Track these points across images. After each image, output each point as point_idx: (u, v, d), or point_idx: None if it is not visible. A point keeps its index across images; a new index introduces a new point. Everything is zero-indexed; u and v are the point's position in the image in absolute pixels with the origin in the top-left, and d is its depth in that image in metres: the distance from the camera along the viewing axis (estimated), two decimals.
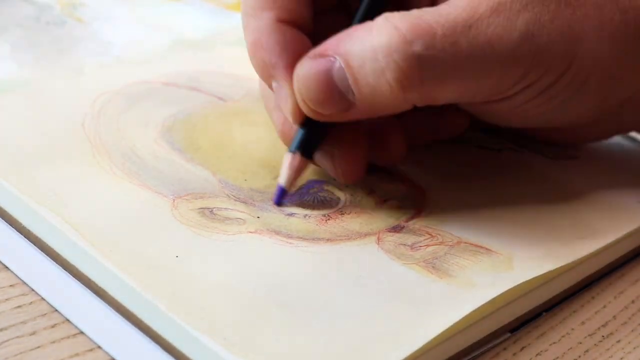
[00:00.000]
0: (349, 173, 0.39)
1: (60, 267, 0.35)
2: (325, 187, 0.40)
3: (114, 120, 0.42)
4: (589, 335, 0.36)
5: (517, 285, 0.35)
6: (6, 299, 0.34)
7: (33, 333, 0.32)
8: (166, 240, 0.35)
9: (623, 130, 0.45)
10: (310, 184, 0.40)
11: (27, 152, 0.39)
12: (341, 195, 0.40)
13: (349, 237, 0.37)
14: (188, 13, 0.54)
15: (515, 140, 0.45)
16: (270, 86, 0.38)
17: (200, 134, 0.42)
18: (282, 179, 0.38)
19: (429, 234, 0.38)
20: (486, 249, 0.37)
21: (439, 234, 0.38)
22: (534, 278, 0.35)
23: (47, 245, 0.35)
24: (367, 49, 0.35)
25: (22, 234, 0.36)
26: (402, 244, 0.37)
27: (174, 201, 0.37)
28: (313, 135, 0.38)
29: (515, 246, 0.37)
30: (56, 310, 0.33)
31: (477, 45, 0.35)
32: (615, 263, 0.40)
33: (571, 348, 0.35)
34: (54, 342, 0.32)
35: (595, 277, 0.39)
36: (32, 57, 0.47)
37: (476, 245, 0.37)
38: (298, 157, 0.38)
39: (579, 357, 0.35)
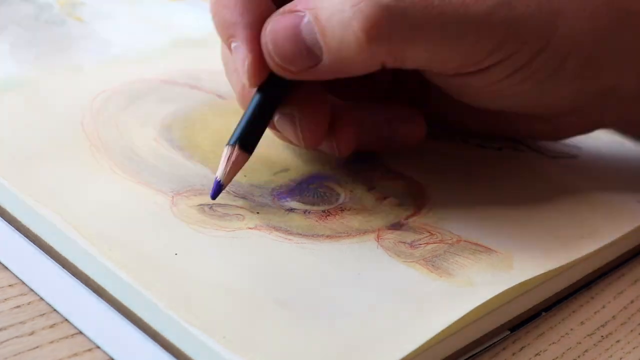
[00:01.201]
0: (310, 136, 0.38)
1: (59, 266, 0.35)
2: (325, 183, 0.40)
3: (113, 118, 0.42)
4: (588, 335, 0.36)
5: (517, 284, 0.35)
6: (5, 299, 0.34)
7: (32, 333, 0.32)
8: (165, 238, 0.35)
9: (604, 125, 0.44)
10: (310, 180, 0.40)
11: (26, 151, 0.39)
12: (341, 191, 0.40)
13: (348, 234, 0.37)
14: (187, 11, 0.54)
15: (516, 140, 0.45)
16: (229, 47, 0.37)
17: (199, 131, 0.42)
18: (219, 174, 0.37)
19: (429, 232, 0.37)
20: (486, 247, 0.37)
21: (439, 232, 0.38)
22: (533, 277, 0.35)
23: (46, 243, 0.35)
24: (335, 1, 0.34)
25: (20, 233, 0.36)
26: (401, 242, 0.37)
27: (173, 198, 0.37)
28: (261, 115, 0.37)
29: (515, 245, 0.37)
30: (55, 310, 0.33)
31: (449, 3, 0.35)
32: (615, 263, 0.40)
33: (570, 348, 0.35)
34: (52, 342, 0.32)
35: (595, 276, 0.39)
36: (31, 56, 0.47)
37: (476, 244, 0.37)
38: (237, 150, 0.37)
39: (578, 357, 0.35)
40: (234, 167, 0.37)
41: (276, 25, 0.35)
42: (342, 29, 0.34)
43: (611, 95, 0.41)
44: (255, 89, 0.37)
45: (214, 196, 0.37)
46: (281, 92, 0.37)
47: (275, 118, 0.38)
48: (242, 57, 0.36)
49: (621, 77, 0.40)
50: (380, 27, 0.34)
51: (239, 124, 0.37)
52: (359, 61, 0.35)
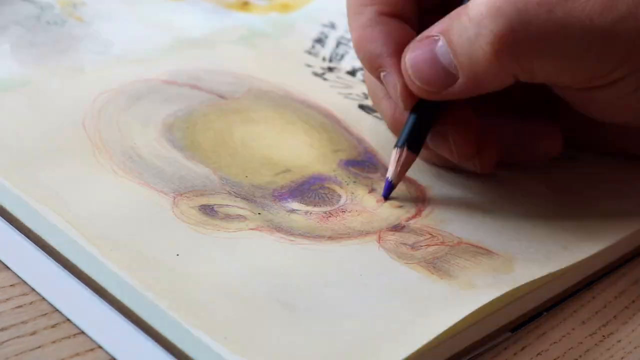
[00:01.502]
0: (464, 149, 0.39)
1: (61, 267, 0.35)
2: (327, 185, 0.40)
3: (115, 118, 0.42)
4: (589, 335, 0.36)
5: (517, 287, 0.35)
6: (7, 299, 0.34)
7: (33, 333, 0.32)
8: (167, 239, 0.35)
9: None
10: (311, 181, 0.40)
11: (28, 151, 0.39)
12: (342, 192, 0.40)
13: (350, 235, 0.37)
14: (188, 12, 0.54)
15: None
16: (378, 78, 0.39)
17: (200, 132, 0.42)
18: (390, 174, 0.39)
19: (430, 234, 0.37)
20: (487, 250, 0.37)
21: (440, 234, 0.38)
22: (533, 280, 0.35)
23: (48, 244, 0.35)
24: (463, 21, 0.36)
25: (22, 233, 0.36)
26: (402, 244, 0.37)
27: (174, 199, 0.37)
28: (422, 124, 0.39)
29: (515, 248, 0.37)
30: (57, 310, 0.33)
31: (573, 16, 0.35)
32: (615, 263, 0.40)
33: (572, 348, 0.35)
34: (54, 342, 0.32)
35: (596, 277, 0.39)
36: (32, 56, 0.47)
37: (477, 246, 0.37)
38: (405, 151, 0.39)
39: (580, 356, 0.35)
40: (404, 168, 0.39)
41: (415, 51, 0.38)
42: (470, 45, 0.36)
43: None
44: (408, 113, 0.39)
45: (386, 196, 0.39)
46: (433, 112, 0.39)
47: (429, 137, 0.39)
48: (393, 83, 0.39)
49: None
50: (505, 39, 0.35)
51: (403, 130, 0.39)
52: (491, 75, 0.37)
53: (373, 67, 0.39)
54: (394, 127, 0.41)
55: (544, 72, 0.37)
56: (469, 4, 0.37)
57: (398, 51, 0.38)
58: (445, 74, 0.37)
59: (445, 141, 0.39)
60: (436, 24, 0.38)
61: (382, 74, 0.39)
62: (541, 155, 0.43)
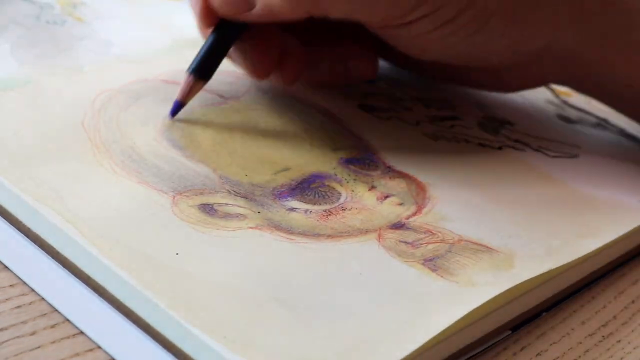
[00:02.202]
0: (258, 67, 0.43)
1: (61, 266, 0.35)
2: (326, 183, 0.40)
3: (114, 118, 0.42)
4: (589, 335, 0.36)
5: (518, 284, 0.35)
6: (6, 299, 0.34)
7: (33, 333, 0.32)
8: (166, 238, 0.35)
9: (547, 80, 0.47)
10: (311, 179, 0.40)
11: (27, 151, 0.39)
12: (342, 190, 0.40)
13: (350, 233, 0.37)
14: (188, 12, 0.54)
15: (517, 139, 0.45)
16: None
17: (200, 131, 0.42)
18: (178, 95, 0.42)
19: (430, 232, 0.37)
20: (487, 247, 0.37)
21: (440, 232, 0.38)
22: (534, 277, 0.35)
23: (47, 243, 0.35)
24: None
25: (22, 233, 0.36)
26: (402, 241, 0.37)
27: (174, 198, 0.37)
28: (216, 50, 0.42)
29: (515, 245, 0.37)
30: (56, 310, 0.33)
31: None
32: (615, 263, 0.40)
33: (571, 348, 0.35)
34: (54, 342, 0.32)
35: (596, 276, 0.39)
36: (32, 56, 0.46)
37: (477, 244, 0.37)
38: (192, 78, 0.42)
39: (579, 357, 0.35)
40: (192, 92, 0.42)
41: None
42: None
43: (547, 52, 0.43)
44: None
45: (173, 114, 0.42)
46: (236, 30, 0.42)
47: (231, 50, 0.43)
48: (194, 1, 0.42)
49: (553, 35, 0.42)
50: None
51: (196, 56, 0.42)
52: (285, 10, 0.39)
53: None
54: (203, 36, 0.43)
55: (337, 10, 0.39)
56: None
57: None
58: (243, 1, 0.40)
59: (242, 56, 0.43)
60: None
61: None
62: (356, 77, 0.46)
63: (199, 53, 0.42)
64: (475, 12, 0.40)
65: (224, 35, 0.42)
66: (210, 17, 0.42)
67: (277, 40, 0.43)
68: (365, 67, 0.46)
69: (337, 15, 0.39)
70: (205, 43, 0.42)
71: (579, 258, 0.37)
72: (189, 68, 0.42)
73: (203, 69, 0.42)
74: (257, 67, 0.43)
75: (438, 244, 0.37)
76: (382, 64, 0.49)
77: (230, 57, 0.43)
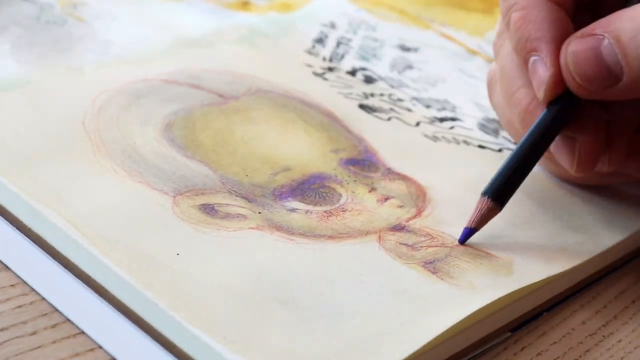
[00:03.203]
0: (587, 162, 0.38)
1: (61, 266, 0.35)
2: (327, 184, 0.40)
3: (115, 118, 0.42)
4: (589, 335, 0.36)
5: (516, 290, 0.35)
6: (7, 299, 0.34)
7: (33, 333, 0.32)
8: (167, 238, 0.35)
9: None
10: (312, 180, 0.40)
11: (28, 151, 0.39)
12: (343, 192, 0.40)
13: (350, 234, 0.37)
14: (188, 12, 0.54)
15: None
16: (525, 62, 0.39)
17: (200, 131, 0.42)
18: (469, 221, 0.38)
19: (430, 235, 0.37)
20: (486, 252, 0.37)
21: (440, 236, 0.38)
22: (533, 283, 0.35)
23: (48, 243, 0.35)
24: (636, 24, 0.36)
25: (22, 233, 0.36)
26: (402, 244, 0.37)
27: (174, 198, 0.37)
28: (518, 172, 0.38)
29: (515, 250, 0.37)
30: (57, 310, 0.33)
31: None
32: (615, 263, 0.40)
33: (572, 348, 0.35)
34: (54, 342, 0.32)
35: (596, 277, 0.39)
36: (32, 56, 0.46)
37: (476, 249, 0.37)
38: (488, 201, 0.37)
39: (580, 357, 0.35)
40: (485, 218, 0.37)
41: (577, 46, 0.37)
42: None
43: None
44: (540, 110, 0.38)
45: (462, 241, 0.37)
46: (568, 113, 0.38)
47: (554, 142, 0.39)
48: (541, 70, 0.38)
49: None
50: None
51: (495, 175, 0.38)
52: None
53: (526, 49, 0.38)
54: (524, 120, 0.39)
55: None
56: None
57: (558, 39, 0.38)
58: (608, 74, 0.37)
59: (569, 146, 0.38)
60: (596, 23, 0.37)
61: (531, 59, 0.38)
62: None
63: (495, 175, 0.38)
64: None
65: (554, 122, 0.38)
66: (557, 89, 0.38)
67: (605, 129, 0.39)
68: None
69: None
70: (502, 166, 0.38)
71: (577, 265, 0.37)
72: (485, 190, 0.37)
73: (502, 193, 0.37)
74: (584, 160, 0.38)
75: (438, 247, 0.37)
76: (382, 63, 0.49)
77: (552, 150, 0.39)
